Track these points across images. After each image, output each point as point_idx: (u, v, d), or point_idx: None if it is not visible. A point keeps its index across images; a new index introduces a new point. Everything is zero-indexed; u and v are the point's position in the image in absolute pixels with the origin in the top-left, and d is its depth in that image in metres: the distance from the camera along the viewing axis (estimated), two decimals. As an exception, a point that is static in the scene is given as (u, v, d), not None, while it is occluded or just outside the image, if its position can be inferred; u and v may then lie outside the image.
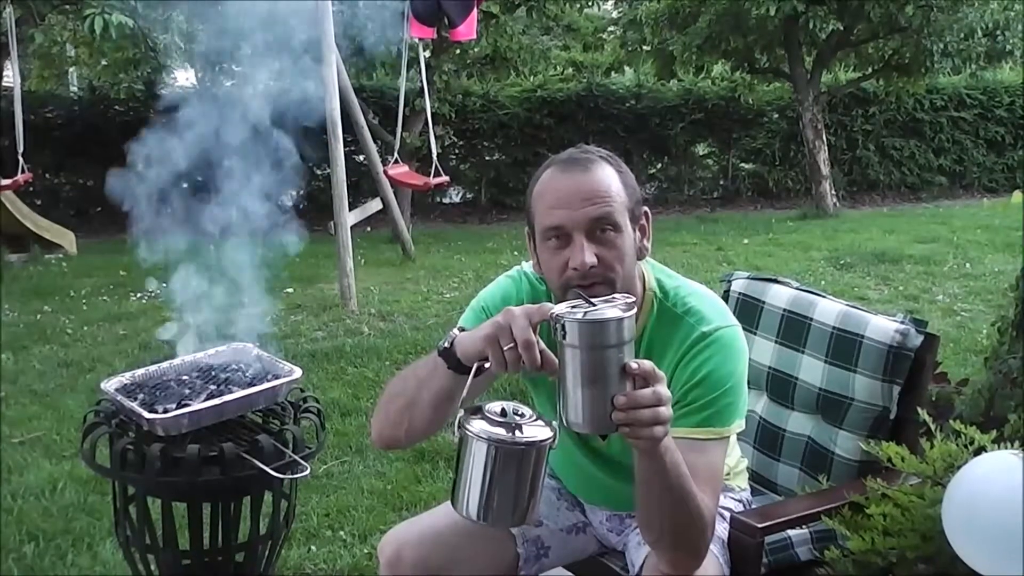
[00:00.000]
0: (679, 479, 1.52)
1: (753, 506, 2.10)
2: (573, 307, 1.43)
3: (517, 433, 1.40)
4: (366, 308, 6.33)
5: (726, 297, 2.52)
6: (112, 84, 10.79)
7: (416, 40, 7.74)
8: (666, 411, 1.42)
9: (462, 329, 1.66)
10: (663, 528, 1.58)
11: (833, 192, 11.07)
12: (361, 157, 9.03)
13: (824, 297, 2.36)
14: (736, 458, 2.10)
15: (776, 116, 12.37)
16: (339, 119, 6.31)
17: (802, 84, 10.89)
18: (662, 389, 1.42)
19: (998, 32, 10.29)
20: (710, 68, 11.87)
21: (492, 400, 1.47)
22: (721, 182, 12.82)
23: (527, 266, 1.91)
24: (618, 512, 2.03)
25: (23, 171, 7.70)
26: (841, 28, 10.05)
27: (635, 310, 1.44)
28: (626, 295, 1.49)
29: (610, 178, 1.67)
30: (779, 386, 2.36)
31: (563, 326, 1.39)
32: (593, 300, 1.44)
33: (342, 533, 3.22)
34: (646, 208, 1.75)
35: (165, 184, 2.69)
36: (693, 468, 1.57)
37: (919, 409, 1.99)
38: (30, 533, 3.18)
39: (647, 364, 1.42)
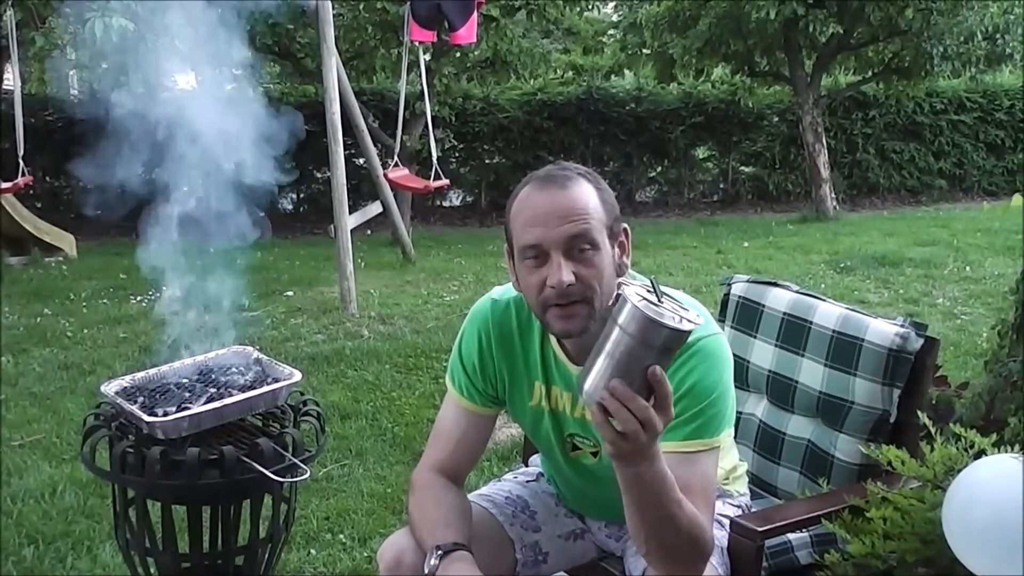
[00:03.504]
0: (663, 497, 1.48)
1: (753, 510, 2.10)
2: (643, 294, 1.38)
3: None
4: (366, 311, 6.33)
5: (726, 300, 2.53)
6: (112, 87, 10.79)
7: (416, 43, 7.75)
8: (641, 435, 1.38)
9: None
10: (651, 544, 1.55)
11: (833, 195, 11.08)
12: (361, 160, 9.04)
13: (824, 300, 2.36)
14: (735, 461, 2.10)
15: (776, 119, 12.38)
16: (339, 122, 6.32)
17: (802, 87, 10.90)
18: (655, 417, 1.38)
19: (998, 35, 10.30)
20: (710, 71, 11.89)
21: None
22: (721, 185, 12.83)
23: (498, 291, 1.90)
24: (616, 520, 2.03)
25: (23, 174, 7.69)
26: (841, 31, 10.06)
27: (692, 327, 1.37)
28: (698, 315, 1.42)
29: (588, 195, 1.66)
30: (779, 389, 2.36)
31: (623, 306, 1.35)
32: (662, 299, 1.38)
33: (342, 536, 3.21)
34: (625, 225, 1.74)
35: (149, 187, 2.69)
36: (686, 482, 1.55)
37: (919, 412, 2.00)
38: (30, 536, 3.18)
39: (667, 387, 1.38)
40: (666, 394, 1.38)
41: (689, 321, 1.37)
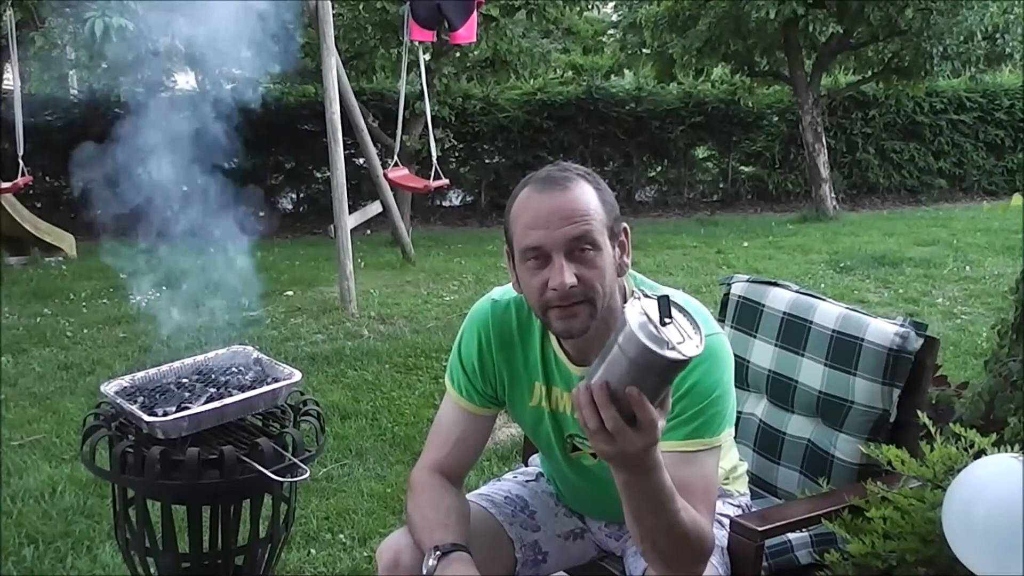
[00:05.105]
0: (662, 507, 1.46)
1: (753, 510, 2.10)
2: (646, 310, 1.32)
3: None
4: (366, 311, 6.33)
5: (726, 300, 2.53)
6: (112, 87, 10.79)
7: (416, 43, 7.75)
8: (600, 439, 1.34)
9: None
10: (648, 546, 1.55)
11: (833, 195, 11.08)
12: (361, 160, 9.04)
13: (824, 300, 2.36)
14: (735, 461, 2.10)
15: (776, 119, 12.37)
16: (339, 122, 6.32)
17: (802, 87, 10.90)
18: (628, 431, 1.33)
19: (997, 35, 10.30)
20: (710, 71, 11.88)
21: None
22: (721, 185, 12.82)
23: (498, 291, 1.89)
24: (616, 520, 2.03)
25: (23, 174, 7.69)
26: (841, 31, 10.06)
27: (693, 355, 1.31)
28: (698, 345, 1.34)
29: (588, 196, 1.65)
30: (779, 389, 2.36)
31: (623, 327, 1.32)
32: (671, 314, 1.33)
33: (342, 536, 3.21)
34: (625, 224, 1.74)
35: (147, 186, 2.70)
36: (687, 482, 1.55)
37: (919, 412, 2.00)
38: (29, 536, 3.18)
39: (650, 412, 1.33)
40: (648, 420, 1.33)
41: (685, 351, 1.31)
